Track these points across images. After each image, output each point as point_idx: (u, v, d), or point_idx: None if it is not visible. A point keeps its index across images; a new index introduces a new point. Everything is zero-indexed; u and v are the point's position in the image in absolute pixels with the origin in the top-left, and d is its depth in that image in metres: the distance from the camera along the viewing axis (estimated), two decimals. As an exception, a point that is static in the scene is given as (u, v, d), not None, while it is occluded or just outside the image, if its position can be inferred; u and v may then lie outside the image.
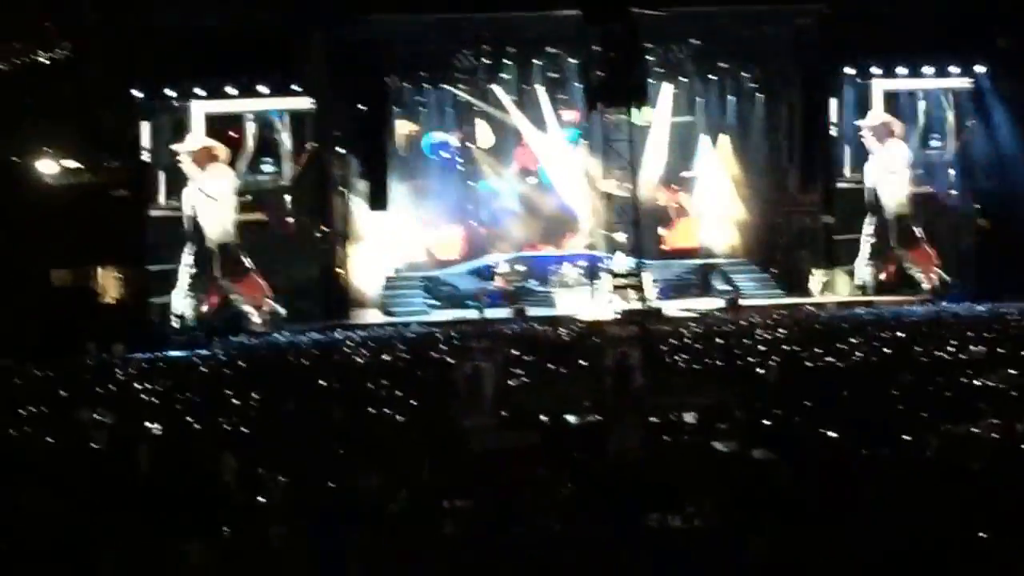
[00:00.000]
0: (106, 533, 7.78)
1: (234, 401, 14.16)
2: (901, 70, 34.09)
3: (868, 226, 34.37)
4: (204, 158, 32.12)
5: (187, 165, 31.73)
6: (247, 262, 31.83)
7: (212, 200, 32.02)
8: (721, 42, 34.49)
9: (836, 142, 34.60)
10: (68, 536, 7.77)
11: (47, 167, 29.44)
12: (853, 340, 19.48)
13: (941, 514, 7.57)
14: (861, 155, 34.48)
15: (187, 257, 31.58)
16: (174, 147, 31.73)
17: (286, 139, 32.49)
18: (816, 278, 34.92)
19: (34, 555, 7.47)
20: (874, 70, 33.94)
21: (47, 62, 27.81)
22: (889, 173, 34.51)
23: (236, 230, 32.13)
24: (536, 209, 36.50)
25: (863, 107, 34.32)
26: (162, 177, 32.18)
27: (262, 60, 30.30)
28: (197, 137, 32.20)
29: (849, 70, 33.89)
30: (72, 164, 29.82)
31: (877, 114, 34.43)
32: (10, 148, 28.33)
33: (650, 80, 33.87)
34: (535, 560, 7.58)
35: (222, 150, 32.44)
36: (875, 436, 9.91)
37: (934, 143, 35.28)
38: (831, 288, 34.61)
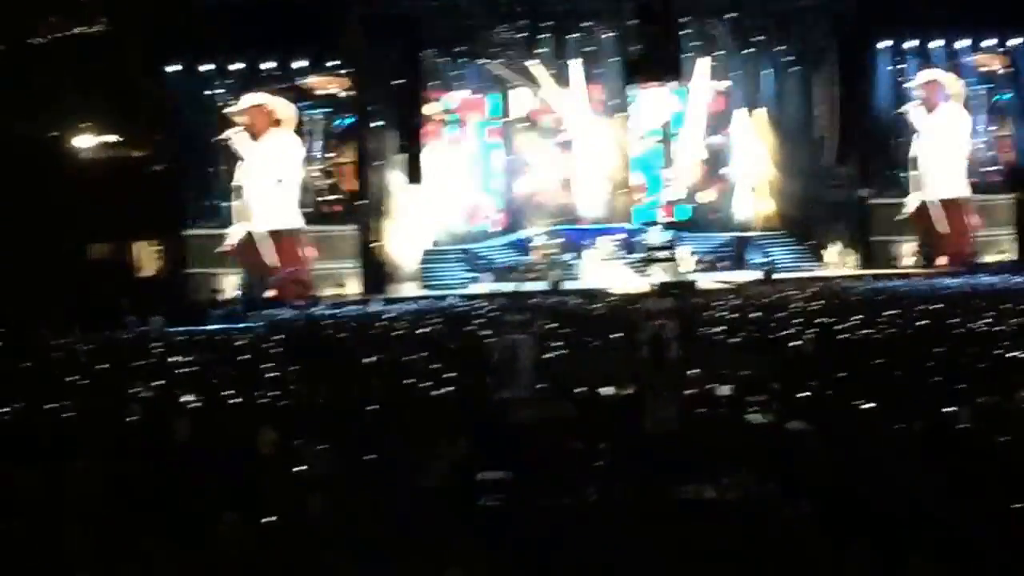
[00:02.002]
0: (143, 506, 7.86)
1: (272, 374, 14.25)
2: (937, 42, 33.59)
3: (911, 203, 33.85)
4: (262, 122, 31.09)
5: (238, 137, 30.68)
6: (303, 250, 31.51)
7: (273, 180, 31.14)
8: (757, 15, 34.28)
9: (873, 114, 34.17)
10: (107, 508, 7.86)
11: (84, 141, 29.42)
12: (888, 312, 19.39)
13: (974, 486, 7.58)
14: (901, 127, 33.85)
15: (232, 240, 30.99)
16: (227, 111, 30.79)
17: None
18: (831, 251, 34.67)
19: (72, 527, 7.55)
20: (910, 43, 33.52)
21: (83, 37, 27.76)
22: (942, 144, 33.32)
23: (301, 214, 31.56)
24: (571, 181, 36.42)
25: (900, 76, 33.79)
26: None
27: (298, 35, 30.18)
28: (253, 96, 31.18)
29: (886, 42, 33.53)
30: (109, 138, 29.74)
31: (929, 73, 33.41)
32: (47, 123, 28.39)
33: (686, 54, 33.72)
34: (570, 531, 7.60)
35: (286, 110, 31.39)
36: (909, 408, 9.90)
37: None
38: (847, 261, 34.35)
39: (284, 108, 31.11)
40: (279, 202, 31.12)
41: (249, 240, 30.69)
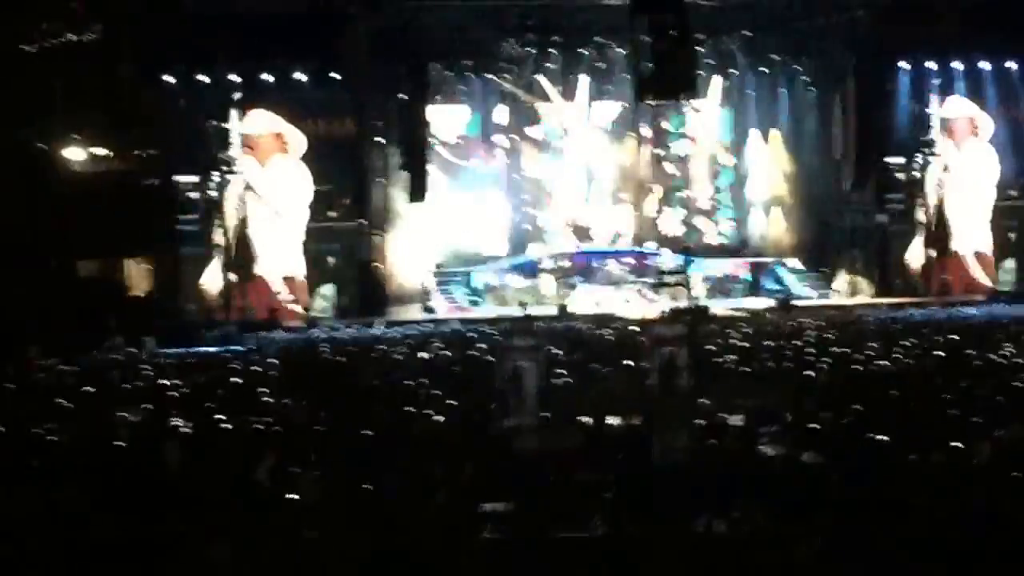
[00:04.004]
0: (131, 532, 7.64)
1: (266, 399, 13.99)
2: (957, 64, 33.25)
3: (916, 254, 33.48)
4: (270, 147, 30.91)
5: (243, 157, 30.48)
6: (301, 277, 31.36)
7: (274, 213, 30.89)
8: (773, 33, 34.13)
9: (892, 138, 33.77)
10: (92, 535, 7.65)
11: (75, 154, 29.06)
12: (905, 342, 19.11)
13: (992, 520, 7.38)
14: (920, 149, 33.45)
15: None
16: (229, 126, 30.40)
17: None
18: (840, 280, 34.30)
19: (57, 553, 7.34)
20: (930, 64, 33.23)
21: (76, 45, 27.47)
22: (968, 189, 32.96)
23: (304, 257, 31.29)
24: (581, 202, 36.22)
25: (920, 100, 33.43)
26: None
27: (299, 46, 29.97)
28: (263, 119, 30.97)
29: (905, 64, 33.25)
30: (101, 151, 29.37)
31: (960, 106, 33.10)
32: (37, 134, 28.06)
33: (700, 72, 33.48)
34: (576, 565, 7.42)
35: (296, 138, 31.05)
36: (925, 441, 9.71)
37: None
38: (856, 290, 34.00)
39: (294, 136, 30.92)
40: (281, 241, 30.92)
41: (233, 283, 30.48)
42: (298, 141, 30.99)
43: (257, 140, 30.83)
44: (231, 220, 30.63)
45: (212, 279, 30.55)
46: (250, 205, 30.78)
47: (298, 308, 30.73)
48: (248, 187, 30.75)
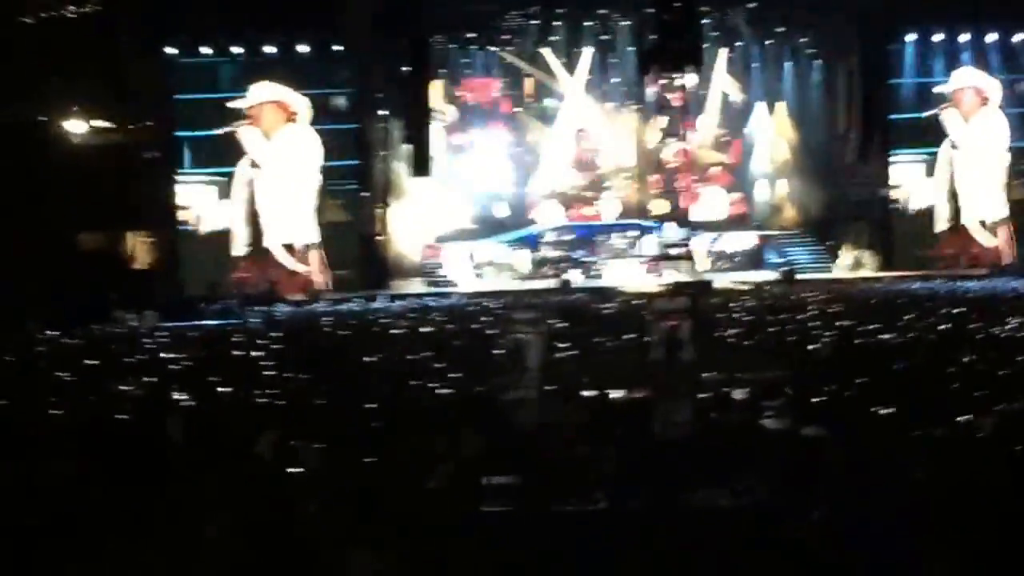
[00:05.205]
0: (131, 508, 7.62)
1: (269, 372, 13.99)
2: (964, 36, 33.05)
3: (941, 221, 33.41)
4: (275, 118, 30.91)
5: (247, 133, 30.60)
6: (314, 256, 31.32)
7: (290, 183, 30.93)
8: (778, 5, 33.97)
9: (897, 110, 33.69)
10: (93, 511, 7.62)
11: (75, 127, 28.96)
12: (908, 316, 19.08)
13: (995, 495, 7.34)
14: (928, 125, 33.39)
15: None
16: (233, 104, 30.61)
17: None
18: (844, 255, 34.23)
19: (57, 529, 7.32)
20: (936, 36, 33.05)
21: (75, 16, 27.35)
22: (980, 158, 32.81)
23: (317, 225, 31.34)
24: (583, 175, 36.15)
25: (926, 72, 33.40)
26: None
27: (302, 19, 29.84)
28: (264, 89, 30.90)
29: (911, 36, 33.04)
30: (101, 124, 29.30)
31: (967, 75, 32.98)
32: (37, 107, 27.93)
33: (704, 44, 33.33)
34: (579, 538, 7.40)
35: (299, 103, 30.98)
36: (929, 414, 9.67)
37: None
38: (861, 265, 33.94)
39: (297, 100, 30.73)
40: (294, 210, 30.82)
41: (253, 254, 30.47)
42: (302, 106, 30.87)
43: (260, 110, 30.71)
44: (238, 194, 30.66)
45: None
46: (256, 178, 30.73)
47: (319, 277, 30.72)
48: (253, 163, 30.70)
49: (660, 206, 33.45)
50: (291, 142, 30.96)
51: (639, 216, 35.01)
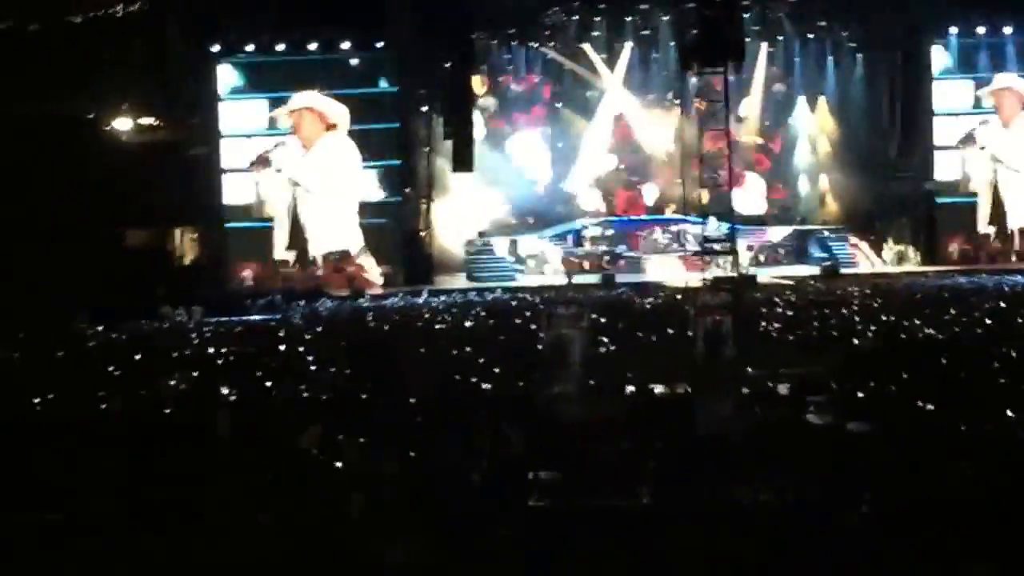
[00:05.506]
0: (178, 502, 7.69)
1: (313, 367, 14.07)
2: (1007, 30, 32.77)
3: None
4: (314, 127, 31.06)
5: (282, 151, 30.72)
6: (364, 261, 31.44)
7: (331, 193, 30.98)
8: (820, 0, 33.72)
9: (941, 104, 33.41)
10: (140, 505, 7.70)
11: (122, 124, 29.20)
12: (954, 310, 18.96)
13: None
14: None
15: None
16: (273, 113, 30.91)
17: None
18: (889, 249, 34.01)
19: (105, 524, 7.39)
20: (980, 30, 32.80)
21: (124, 15, 27.56)
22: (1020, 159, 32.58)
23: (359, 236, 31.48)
24: (626, 170, 36.08)
25: (971, 66, 33.11)
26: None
27: (344, 15, 29.95)
28: (305, 97, 30.98)
29: (954, 28, 32.82)
30: (148, 121, 29.52)
31: (1007, 80, 32.65)
32: (85, 104, 28.18)
33: (746, 39, 33.18)
34: (622, 534, 7.40)
35: (338, 111, 31.16)
36: (974, 410, 9.61)
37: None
38: (905, 260, 33.73)
39: (336, 109, 30.86)
40: (336, 219, 31.00)
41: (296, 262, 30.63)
42: (340, 115, 31.02)
43: (300, 117, 31.01)
44: (279, 198, 30.84)
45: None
46: (295, 186, 31.06)
47: (370, 277, 30.88)
48: (289, 170, 30.95)
49: (702, 196, 33.31)
50: (330, 152, 31.13)
51: (680, 206, 34.88)
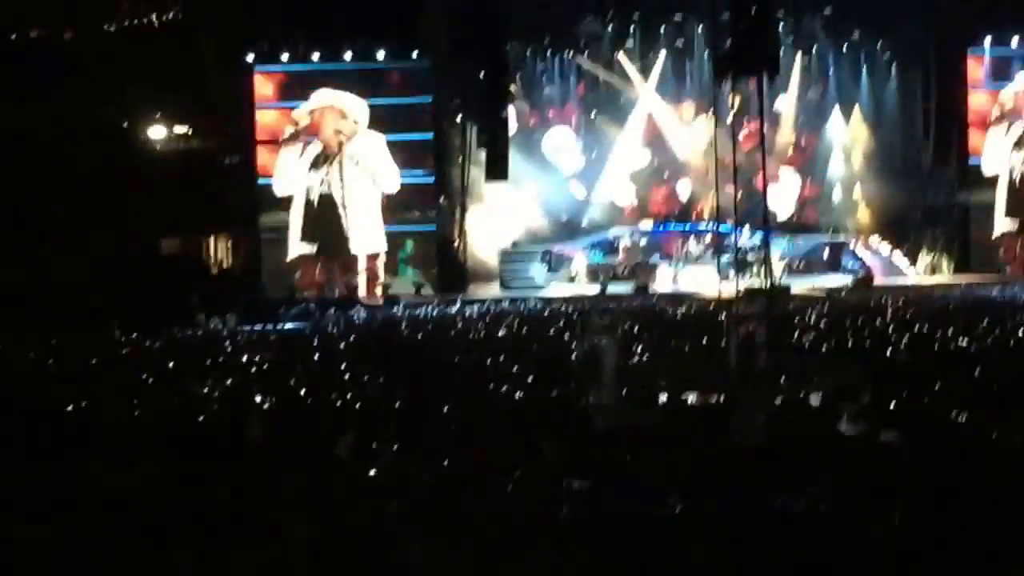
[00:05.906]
0: (212, 509, 7.73)
1: (346, 374, 14.12)
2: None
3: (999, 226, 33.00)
4: (335, 124, 31.05)
5: (302, 154, 30.92)
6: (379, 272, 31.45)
7: (359, 193, 31.06)
8: (854, 10, 33.68)
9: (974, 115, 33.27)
10: (175, 512, 7.74)
11: (157, 132, 29.35)
12: (986, 321, 18.87)
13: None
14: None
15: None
16: (294, 115, 30.98)
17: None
18: (921, 258, 33.85)
19: (140, 530, 7.43)
20: (1014, 39, 32.63)
21: (158, 24, 27.75)
22: None
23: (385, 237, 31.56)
24: (659, 181, 36.03)
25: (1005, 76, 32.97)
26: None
27: (380, 23, 30.05)
28: (325, 94, 31.08)
29: (987, 38, 32.69)
30: (183, 129, 29.65)
31: None
32: (119, 113, 28.35)
33: (780, 49, 33.14)
34: (655, 543, 7.40)
35: (359, 108, 31.12)
36: (1008, 420, 9.57)
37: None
38: (937, 268, 33.55)
39: (356, 105, 30.95)
40: (361, 218, 31.09)
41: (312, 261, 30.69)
42: (361, 111, 31.07)
43: (321, 115, 31.02)
44: (309, 198, 30.93)
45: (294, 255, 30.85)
46: (327, 184, 31.06)
47: (378, 289, 30.96)
48: (321, 167, 30.99)
49: (736, 205, 33.28)
50: (352, 149, 31.18)
51: (713, 211, 34.79)
